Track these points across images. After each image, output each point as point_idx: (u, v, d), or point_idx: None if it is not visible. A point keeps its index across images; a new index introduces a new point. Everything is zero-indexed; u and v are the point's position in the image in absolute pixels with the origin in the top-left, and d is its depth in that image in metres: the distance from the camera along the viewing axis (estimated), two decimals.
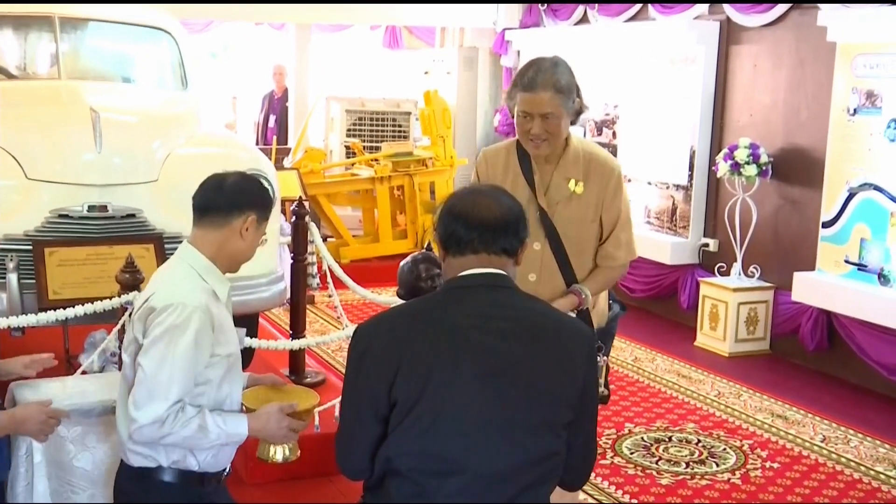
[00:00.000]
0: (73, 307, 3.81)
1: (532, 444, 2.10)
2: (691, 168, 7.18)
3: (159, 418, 2.41)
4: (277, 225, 4.85)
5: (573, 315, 3.09)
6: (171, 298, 2.46)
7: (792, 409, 5.51)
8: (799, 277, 6.09)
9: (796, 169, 6.47)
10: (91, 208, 4.30)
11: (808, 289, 6.03)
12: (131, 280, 3.71)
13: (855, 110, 5.75)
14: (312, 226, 5.13)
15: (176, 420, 2.42)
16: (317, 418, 4.02)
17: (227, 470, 2.70)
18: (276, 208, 4.05)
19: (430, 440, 2.06)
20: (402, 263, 3.51)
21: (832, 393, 5.88)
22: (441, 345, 2.10)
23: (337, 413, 4.05)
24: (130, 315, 2.87)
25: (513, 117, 3.15)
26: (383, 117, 9.51)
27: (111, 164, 4.37)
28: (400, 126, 9.54)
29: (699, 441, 5.00)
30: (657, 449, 4.87)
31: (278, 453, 2.70)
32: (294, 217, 4.99)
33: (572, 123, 3.17)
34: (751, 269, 6.67)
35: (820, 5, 6.10)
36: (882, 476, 4.62)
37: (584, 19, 8.73)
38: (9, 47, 5.74)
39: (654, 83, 7.47)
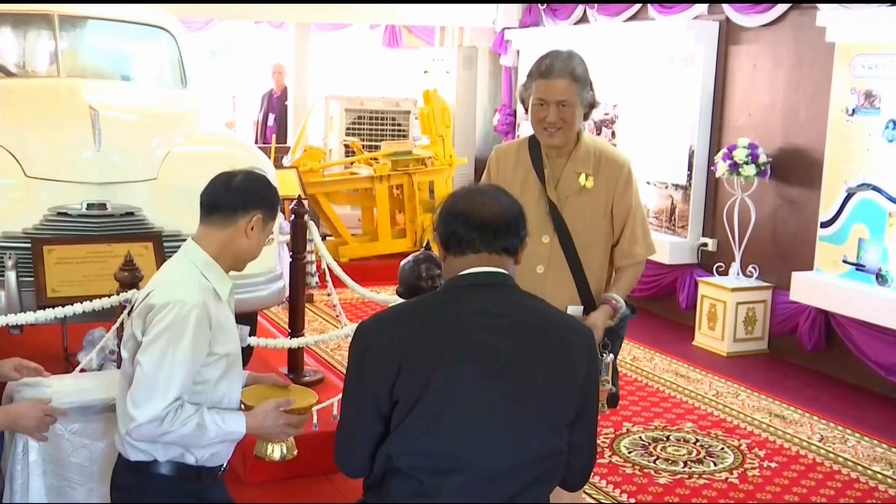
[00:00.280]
0: (72, 305, 3.80)
1: (534, 442, 2.10)
2: (690, 168, 7.19)
3: (158, 416, 2.41)
4: (276, 223, 4.84)
5: (611, 324, 3.12)
6: (170, 296, 2.47)
7: (790, 409, 5.52)
8: (797, 277, 6.10)
9: (795, 169, 6.48)
10: (90, 206, 4.30)
11: (807, 289, 6.04)
12: (130, 278, 3.71)
13: (853, 111, 5.75)
14: (311, 224, 5.13)
15: (175, 418, 2.42)
16: (315, 417, 4.02)
17: (225, 466, 2.70)
18: None
19: (432, 439, 2.06)
20: (402, 263, 3.52)
21: (830, 392, 5.89)
22: (443, 344, 2.10)
23: (335, 411, 4.09)
24: (129, 312, 2.87)
25: (527, 111, 3.20)
26: (382, 116, 9.51)
27: (110, 162, 4.36)
28: (399, 125, 9.53)
29: (697, 440, 5.00)
30: (655, 448, 4.87)
31: (276, 452, 2.69)
32: (293, 216, 4.99)
33: (585, 118, 3.20)
34: (749, 268, 6.67)
35: (819, 5, 6.11)
36: (879, 476, 4.63)
37: (583, 19, 8.73)
38: (8, 45, 5.73)
39: (654, 83, 7.47)
